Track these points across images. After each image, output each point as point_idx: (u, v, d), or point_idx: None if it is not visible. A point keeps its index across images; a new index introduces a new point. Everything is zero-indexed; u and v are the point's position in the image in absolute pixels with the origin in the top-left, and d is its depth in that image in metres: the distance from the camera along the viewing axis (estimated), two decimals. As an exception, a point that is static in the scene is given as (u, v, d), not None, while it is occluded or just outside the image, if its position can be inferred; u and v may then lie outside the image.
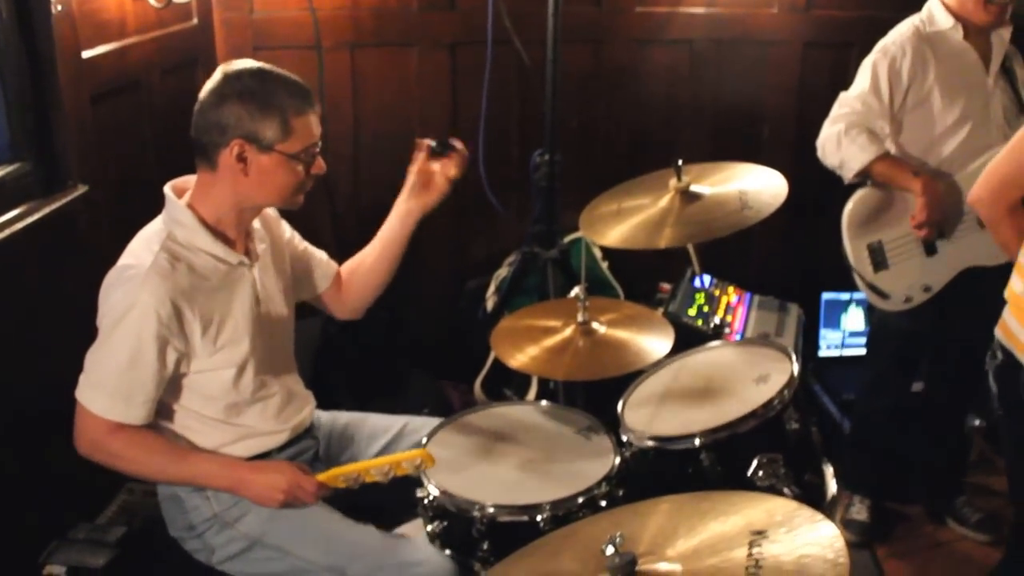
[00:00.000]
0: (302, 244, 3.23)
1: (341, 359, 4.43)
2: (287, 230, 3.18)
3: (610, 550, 1.86)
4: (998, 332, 3.17)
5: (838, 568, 1.74)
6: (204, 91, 2.71)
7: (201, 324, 2.71)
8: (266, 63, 2.75)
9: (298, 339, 3.23)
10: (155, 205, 2.80)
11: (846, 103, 4.03)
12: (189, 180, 2.85)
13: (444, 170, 3.12)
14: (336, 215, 5.10)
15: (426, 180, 3.13)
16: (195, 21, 4.52)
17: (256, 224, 2.96)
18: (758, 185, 3.29)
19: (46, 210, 3.28)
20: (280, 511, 2.82)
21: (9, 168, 3.31)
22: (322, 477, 2.82)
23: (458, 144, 3.14)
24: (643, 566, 1.88)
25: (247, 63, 2.74)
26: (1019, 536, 3.37)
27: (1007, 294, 3.19)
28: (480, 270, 5.25)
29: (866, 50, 4.09)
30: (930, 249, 4.03)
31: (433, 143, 3.13)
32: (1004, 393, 3.18)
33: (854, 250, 4.13)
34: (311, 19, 4.78)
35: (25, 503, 3.17)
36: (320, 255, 3.28)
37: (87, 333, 2.70)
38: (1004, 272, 3.39)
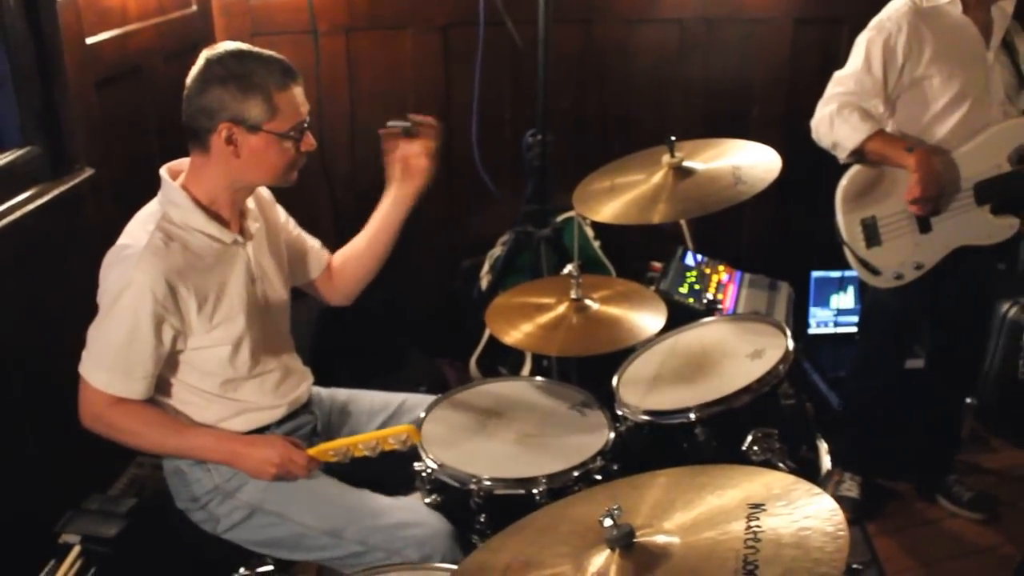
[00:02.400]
0: (296, 230, 3.26)
1: (340, 338, 4.46)
2: (282, 214, 3.21)
3: (608, 522, 1.86)
4: None
5: (838, 541, 1.74)
6: (189, 77, 2.74)
7: (196, 302, 2.74)
8: (246, 44, 2.77)
9: (298, 318, 3.25)
10: (158, 187, 2.83)
11: (839, 82, 3.99)
12: (184, 162, 2.88)
13: (422, 149, 3.13)
14: (334, 196, 5.14)
15: (408, 166, 3.15)
16: (194, 8, 4.57)
17: (251, 204, 2.99)
18: (751, 160, 3.28)
19: (54, 192, 3.32)
20: (277, 481, 2.89)
21: (19, 152, 3.34)
22: (312, 451, 2.88)
23: (423, 118, 3.14)
24: (641, 538, 1.89)
25: (227, 45, 2.76)
26: None
27: None
28: (475, 249, 5.28)
29: (857, 25, 4.06)
30: (924, 227, 3.98)
31: (402, 126, 3.11)
32: None
33: (847, 225, 4.10)
34: (307, 4, 4.82)
35: (42, 476, 3.23)
36: (313, 242, 3.31)
37: (93, 311, 2.74)
38: (995, 249, 3.38)
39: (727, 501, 1.97)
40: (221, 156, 2.74)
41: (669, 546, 1.88)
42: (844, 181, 4.11)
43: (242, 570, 2.99)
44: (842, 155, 3.99)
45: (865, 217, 4.08)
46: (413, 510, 2.90)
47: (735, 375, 2.99)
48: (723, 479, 2.07)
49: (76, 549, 2.92)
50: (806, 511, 1.85)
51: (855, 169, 4.09)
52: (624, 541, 1.86)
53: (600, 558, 1.90)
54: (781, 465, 2.77)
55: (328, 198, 5.15)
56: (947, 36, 3.88)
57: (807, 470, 2.93)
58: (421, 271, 5.27)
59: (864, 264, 4.11)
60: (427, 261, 5.35)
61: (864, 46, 3.94)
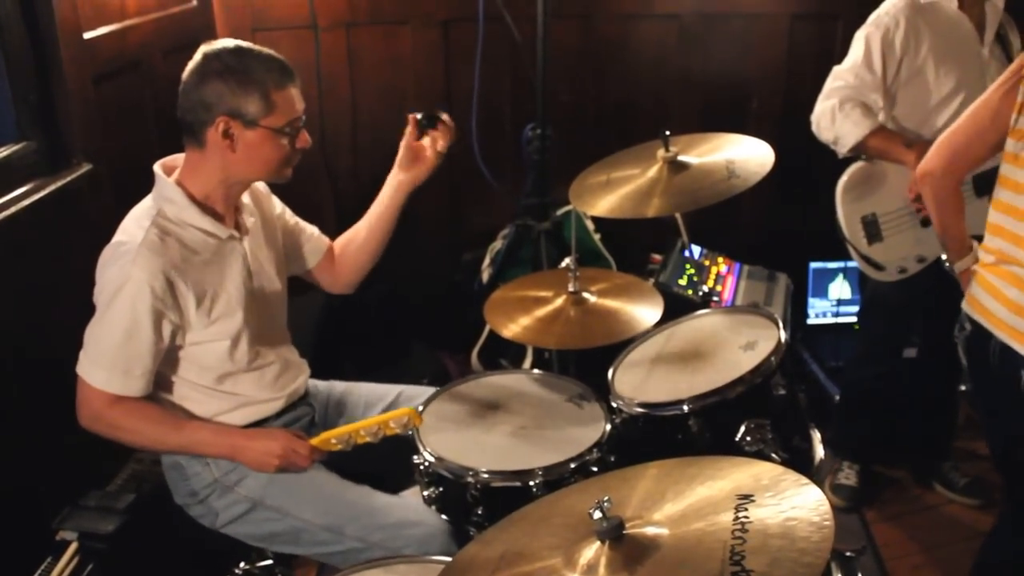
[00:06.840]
0: (293, 219, 3.28)
1: (343, 331, 4.48)
2: (278, 205, 3.22)
3: (597, 514, 1.86)
4: (965, 305, 3.14)
5: (823, 531, 1.73)
6: (187, 72, 2.75)
7: (195, 297, 2.76)
8: (245, 42, 2.79)
9: (301, 312, 3.27)
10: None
11: (839, 76, 3.99)
12: (178, 158, 2.89)
13: (432, 143, 3.16)
14: (337, 190, 5.17)
15: (416, 153, 3.17)
16: (194, 3, 4.60)
17: (246, 199, 3.01)
18: (745, 154, 3.28)
19: (51, 187, 3.33)
20: (278, 474, 2.90)
21: (16, 147, 3.35)
22: (315, 441, 2.89)
23: (446, 117, 3.17)
24: (630, 530, 1.89)
25: (226, 42, 2.77)
26: (1014, 500, 3.34)
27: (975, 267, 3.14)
28: (476, 243, 5.30)
29: (851, 22, 4.07)
30: (925, 220, 3.97)
31: (420, 116, 3.16)
32: (973, 364, 3.17)
33: (848, 222, 4.09)
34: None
35: (39, 471, 3.23)
36: (311, 230, 3.32)
37: (91, 306, 2.75)
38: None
39: (716, 492, 1.96)
40: (216, 150, 2.76)
41: (658, 537, 1.87)
42: (844, 179, 4.11)
43: (242, 565, 3.01)
44: (843, 150, 3.99)
45: (865, 214, 4.08)
46: (413, 509, 2.91)
47: (728, 367, 3.00)
48: (713, 470, 2.07)
49: (73, 546, 2.94)
50: (793, 502, 1.84)
51: (854, 166, 4.09)
52: (613, 533, 1.86)
53: (591, 550, 1.89)
54: (774, 456, 2.78)
55: (330, 191, 5.18)
56: (944, 31, 3.89)
57: (799, 460, 2.94)
58: (422, 264, 5.27)
59: (867, 260, 4.10)
60: (428, 254, 5.36)
61: (863, 41, 3.94)
